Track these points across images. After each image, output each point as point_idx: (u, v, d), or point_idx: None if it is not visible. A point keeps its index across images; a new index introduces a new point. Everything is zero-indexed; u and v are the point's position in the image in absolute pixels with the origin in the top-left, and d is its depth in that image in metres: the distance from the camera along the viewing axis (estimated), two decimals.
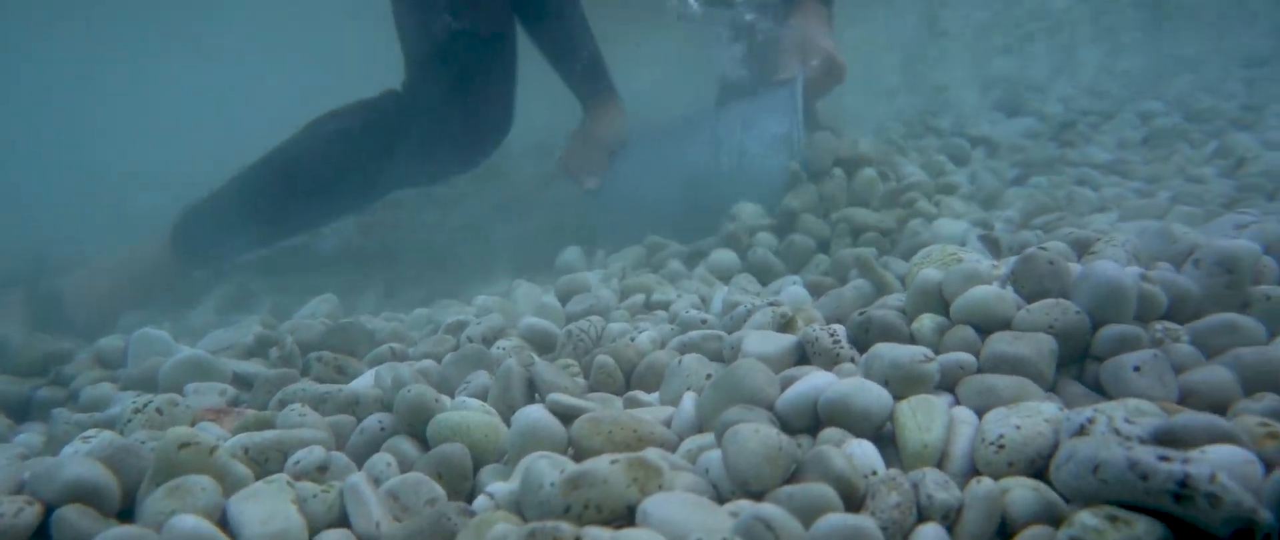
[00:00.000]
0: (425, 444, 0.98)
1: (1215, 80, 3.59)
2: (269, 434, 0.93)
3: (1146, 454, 0.66)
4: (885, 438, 0.89)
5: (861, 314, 1.05)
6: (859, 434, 0.87)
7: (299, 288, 1.99)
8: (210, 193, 2.07)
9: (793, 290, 1.52)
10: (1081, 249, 1.14)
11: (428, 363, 1.19)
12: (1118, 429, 0.75)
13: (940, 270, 1.07)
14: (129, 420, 1.02)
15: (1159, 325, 0.96)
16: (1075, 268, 1.01)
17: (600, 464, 0.78)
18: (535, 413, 0.95)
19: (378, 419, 1.01)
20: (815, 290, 1.56)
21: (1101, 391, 0.92)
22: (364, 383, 1.15)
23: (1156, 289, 0.98)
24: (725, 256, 1.77)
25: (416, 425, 0.99)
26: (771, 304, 1.26)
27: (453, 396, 1.11)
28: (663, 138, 2.14)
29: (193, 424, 1.03)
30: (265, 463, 0.91)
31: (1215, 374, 0.87)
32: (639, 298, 1.53)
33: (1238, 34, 4.81)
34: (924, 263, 1.19)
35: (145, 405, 1.03)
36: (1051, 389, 0.94)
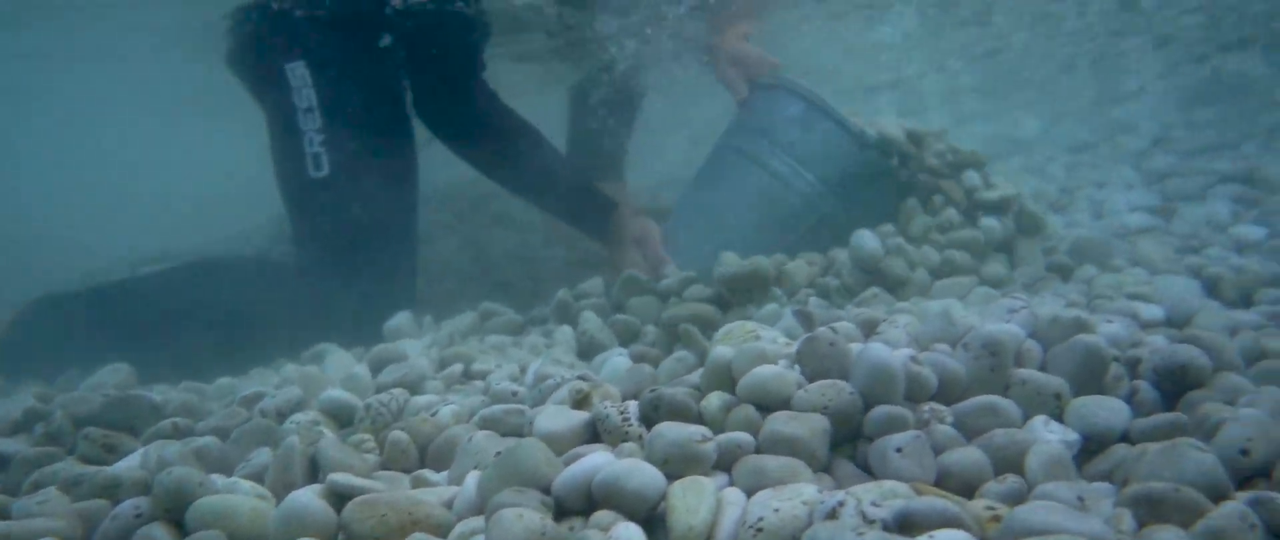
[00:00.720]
0: (184, 531, 0.91)
1: (1041, 163, 3.87)
2: None
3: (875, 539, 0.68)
4: (659, 519, 0.88)
5: (652, 391, 1.06)
6: (632, 516, 0.87)
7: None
8: (59, 294, 1.93)
9: (616, 362, 1.52)
10: (868, 329, 1.19)
11: (209, 440, 1.13)
12: (864, 512, 0.77)
13: (731, 348, 1.09)
14: None
15: (927, 406, 1.01)
16: (857, 348, 1.05)
17: None
18: (303, 497, 0.90)
19: (134, 504, 0.94)
20: (640, 362, 1.57)
21: (871, 471, 0.95)
22: (130, 463, 1.07)
23: (926, 371, 1.03)
24: (556, 327, 1.76)
25: (176, 510, 0.92)
26: (581, 377, 1.26)
27: (231, 477, 1.05)
28: (702, 189, 2.14)
29: None
30: None
31: (969, 456, 0.91)
32: (457, 367, 1.50)
33: (1068, 120, 5.22)
34: (723, 339, 1.21)
35: None
36: (825, 469, 0.97)
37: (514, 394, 1.30)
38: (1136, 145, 3.86)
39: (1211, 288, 1.59)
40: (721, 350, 1.09)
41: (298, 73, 1.91)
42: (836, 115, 1.94)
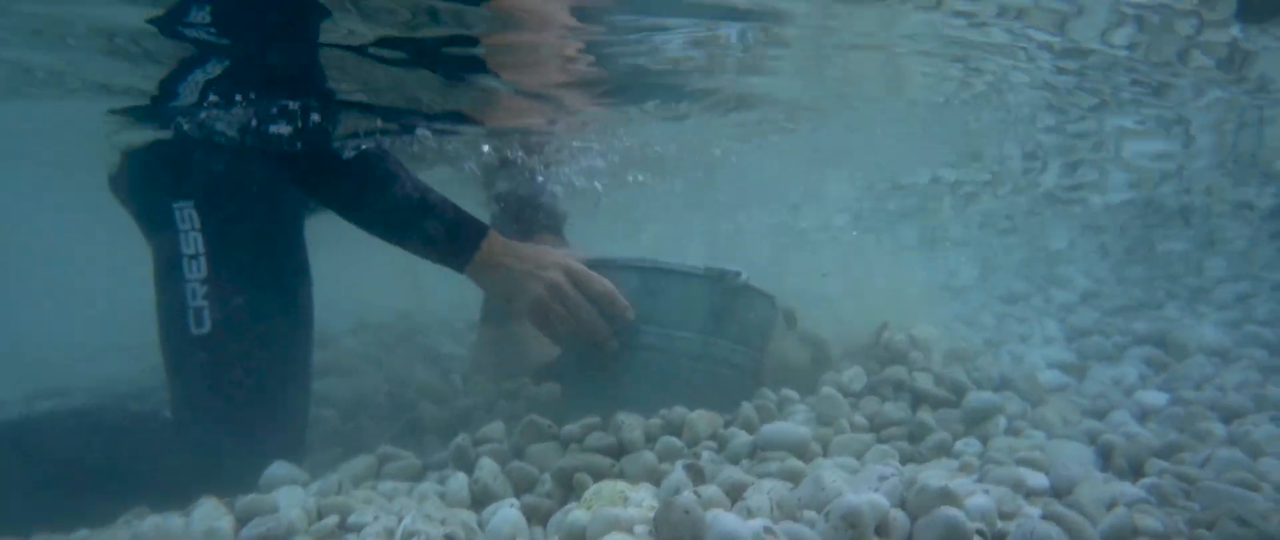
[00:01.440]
0: None
1: (973, 312, 3.93)
2: None
3: None
4: None
5: None
6: None
7: None
8: None
9: (506, 513, 1.47)
10: (734, 494, 1.17)
11: None
12: None
13: (586, 513, 1.06)
14: None
15: None
16: (709, 517, 1.02)
17: None
18: None
19: None
20: (531, 514, 1.52)
21: None
22: None
23: None
24: (452, 474, 1.71)
25: None
26: (447, 536, 1.21)
27: None
28: (589, 385, 2.02)
29: None
30: None
31: None
32: (332, 519, 1.43)
33: (1003, 270, 5.37)
34: (589, 501, 1.18)
35: None
36: None
37: None
38: (1066, 299, 3.96)
39: (1105, 455, 1.59)
40: (576, 515, 1.06)
41: (186, 214, 1.79)
42: (674, 267, 1.94)
